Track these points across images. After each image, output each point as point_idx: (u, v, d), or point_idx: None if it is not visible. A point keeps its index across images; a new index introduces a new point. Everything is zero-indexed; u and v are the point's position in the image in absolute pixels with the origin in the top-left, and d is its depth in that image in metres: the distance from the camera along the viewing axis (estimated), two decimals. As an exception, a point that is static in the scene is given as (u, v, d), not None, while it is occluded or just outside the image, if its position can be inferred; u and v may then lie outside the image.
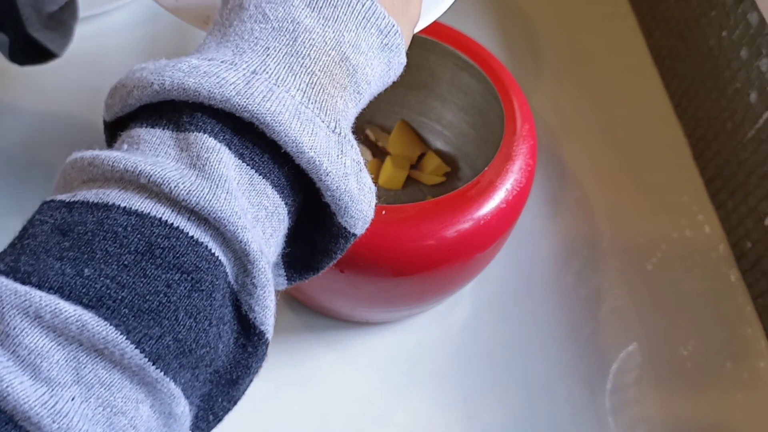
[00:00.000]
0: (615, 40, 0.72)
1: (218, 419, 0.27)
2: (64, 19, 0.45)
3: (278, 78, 0.27)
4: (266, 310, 0.27)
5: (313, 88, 0.27)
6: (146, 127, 0.27)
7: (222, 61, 0.27)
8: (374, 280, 0.46)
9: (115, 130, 0.29)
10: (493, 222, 0.45)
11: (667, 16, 0.69)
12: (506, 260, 0.57)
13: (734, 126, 0.59)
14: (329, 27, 0.29)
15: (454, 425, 0.51)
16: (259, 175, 0.26)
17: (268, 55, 0.27)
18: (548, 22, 0.74)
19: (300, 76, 0.27)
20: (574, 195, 0.62)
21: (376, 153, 0.61)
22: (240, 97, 0.26)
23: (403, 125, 0.60)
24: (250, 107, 0.26)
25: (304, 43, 0.28)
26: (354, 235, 0.30)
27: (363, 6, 0.30)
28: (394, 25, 0.31)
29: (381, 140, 0.60)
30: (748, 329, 0.56)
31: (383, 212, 0.44)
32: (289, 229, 0.29)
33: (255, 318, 0.27)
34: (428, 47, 0.53)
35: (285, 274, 0.31)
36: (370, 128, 0.61)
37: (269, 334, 0.27)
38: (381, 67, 0.31)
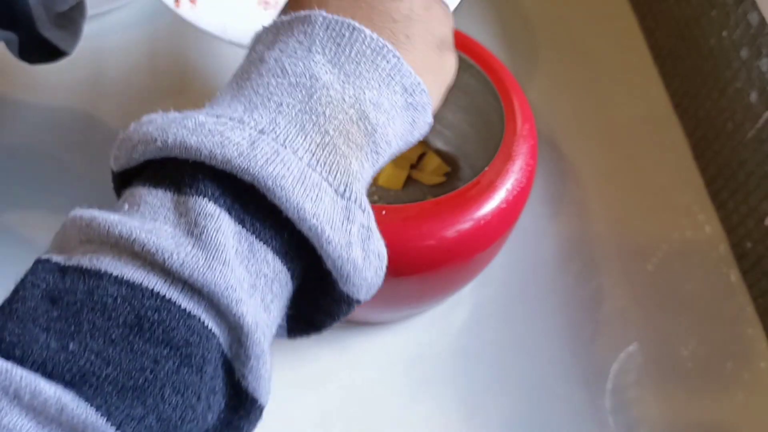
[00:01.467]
0: (615, 40, 0.72)
1: None
2: (73, 18, 0.45)
3: (287, 138, 0.26)
4: (260, 380, 0.26)
5: (324, 149, 0.26)
6: (148, 186, 0.26)
7: (230, 118, 0.26)
8: None
9: (123, 179, 0.28)
10: (493, 222, 0.45)
11: (667, 15, 0.68)
12: (506, 260, 0.57)
13: (735, 126, 0.59)
14: (350, 83, 0.28)
15: (454, 425, 0.51)
16: (260, 241, 0.25)
17: (280, 112, 0.26)
18: (548, 22, 0.73)
19: (311, 136, 0.26)
20: (575, 195, 0.62)
21: None
22: (242, 158, 0.25)
23: None
24: (251, 170, 0.25)
25: (320, 99, 0.27)
26: (357, 301, 0.29)
27: (388, 63, 0.29)
28: (419, 84, 0.30)
29: None
30: (749, 329, 0.56)
31: (383, 212, 0.44)
32: (294, 289, 0.28)
33: (248, 386, 0.26)
34: None
35: (287, 326, 0.31)
36: None
37: (263, 400, 0.27)
38: (404, 126, 0.30)
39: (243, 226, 0.25)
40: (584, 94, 0.68)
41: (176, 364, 0.23)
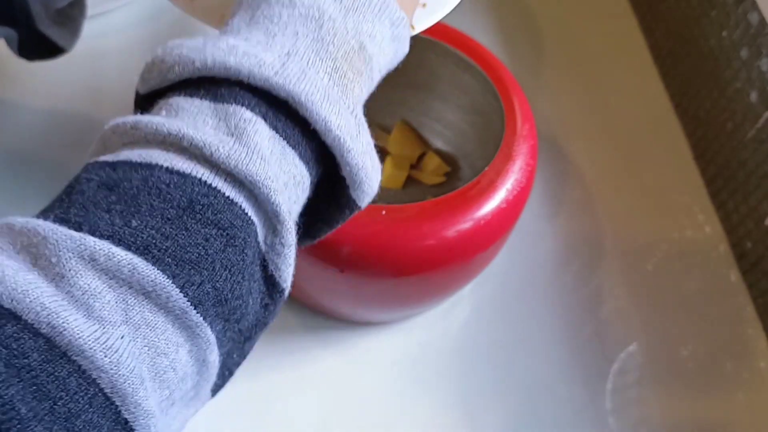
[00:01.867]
0: (615, 40, 0.72)
1: (231, 374, 0.29)
2: (72, 15, 0.46)
3: (308, 61, 0.29)
4: (290, 268, 0.29)
5: (337, 73, 0.30)
6: (184, 96, 0.28)
7: (257, 42, 0.29)
8: (374, 280, 0.46)
9: (145, 101, 0.30)
10: (493, 222, 0.45)
11: (667, 16, 0.69)
12: (506, 260, 0.57)
13: (734, 126, 0.59)
14: (349, 17, 0.31)
15: (453, 425, 0.51)
16: (290, 146, 0.29)
17: (297, 39, 0.30)
18: (548, 22, 0.74)
19: (326, 61, 0.30)
20: (575, 195, 0.62)
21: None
22: (278, 77, 0.28)
23: (403, 125, 0.60)
24: (286, 87, 0.28)
25: (328, 31, 0.30)
26: (359, 207, 0.32)
27: None
28: (404, 18, 0.33)
29: (381, 140, 0.60)
30: (749, 329, 0.56)
31: (383, 212, 0.44)
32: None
33: (279, 276, 0.29)
34: (429, 47, 0.53)
35: None
36: (369, 128, 0.61)
37: (288, 289, 0.30)
38: (389, 56, 0.33)
39: (276, 132, 0.28)
40: (584, 94, 0.68)
41: (223, 243, 0.26)
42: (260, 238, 0.28)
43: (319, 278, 0.47)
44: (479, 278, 0.51)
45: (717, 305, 0.57)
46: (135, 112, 0.31)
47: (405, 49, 0.34)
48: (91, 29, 0.69)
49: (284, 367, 0.52)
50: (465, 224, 0.44)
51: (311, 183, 0.30)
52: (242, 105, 0.28)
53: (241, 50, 0.28)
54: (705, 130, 0.63)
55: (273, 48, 0.29)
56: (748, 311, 0.57)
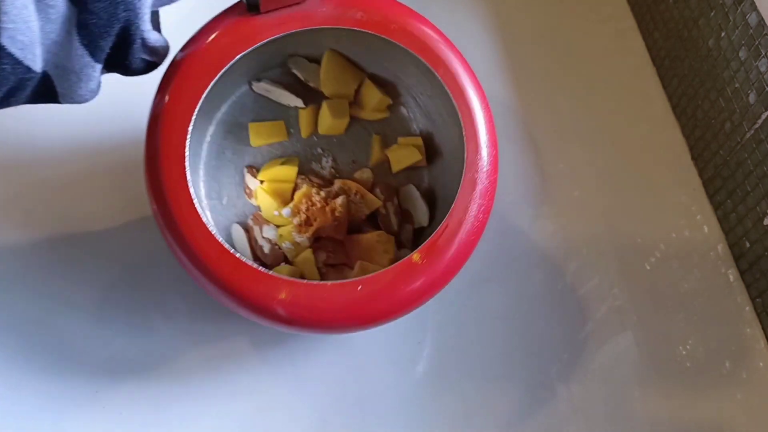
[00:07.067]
0: (614, 41, 0.72)
1: None
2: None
3: None
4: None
5: None
6: None
7: None
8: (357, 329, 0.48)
9: None
10: (459, 255, 0.46)
11: (666, 16, 0.69)
12: (505, 260, 0.57)
13: (733, 126, 0.59)
14: None
15: (453, 425, 0.51)
16: None
17: None
18: (547, 23, 0.74)
19: None
20: (573, 195, 0.62)
21: (308, 97, 0.56)
22: None
23: (333, 55, 0.55)
24: None
25: None
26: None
27: None
28: None
29: (311, 79, 0.56)
30: (747, 329, 0.57)
31: (359, 287, 0.44)
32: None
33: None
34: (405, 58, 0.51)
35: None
36: (293, 62, 0.55)
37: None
38: None
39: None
40: (583, 94, 0.68)
41: None
42: None
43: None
44: (478, 278, 0.51)
45: (715, 305, 0.58)
46: None
47: None
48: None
49: (284, 366, 0.52)
50: (437, 269, 0.45)
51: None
52: None
53: None
54: (703, 131, 0.63)
55: None
56: (746, 311, 0.57)
